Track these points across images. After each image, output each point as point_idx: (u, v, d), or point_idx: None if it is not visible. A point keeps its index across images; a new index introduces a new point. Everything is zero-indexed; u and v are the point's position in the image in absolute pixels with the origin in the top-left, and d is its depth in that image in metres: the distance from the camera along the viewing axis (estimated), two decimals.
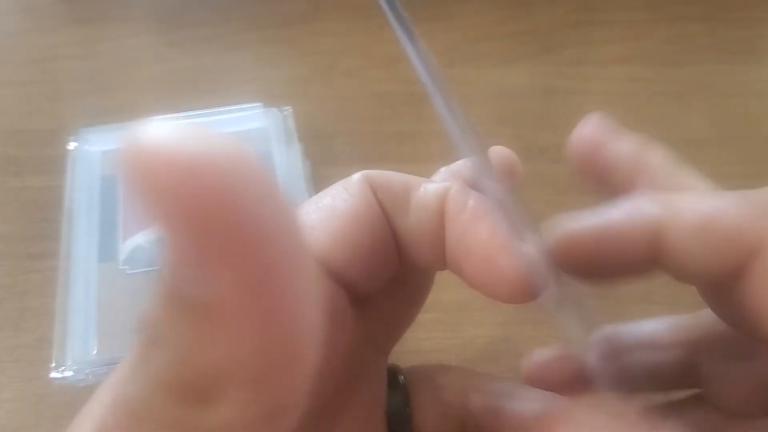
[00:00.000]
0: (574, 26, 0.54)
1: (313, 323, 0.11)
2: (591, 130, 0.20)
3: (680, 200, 0.17)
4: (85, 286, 0.34)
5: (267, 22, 0.53)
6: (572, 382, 0.21)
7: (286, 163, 0.38)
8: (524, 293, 0.17)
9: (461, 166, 0.21)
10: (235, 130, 0.40)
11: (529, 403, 0.19)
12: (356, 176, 0.19)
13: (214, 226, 0.09)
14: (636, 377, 0.19)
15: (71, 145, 0.39)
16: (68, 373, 0.31)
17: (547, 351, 0.22)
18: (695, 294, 0.39)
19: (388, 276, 0.20)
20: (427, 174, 0.44)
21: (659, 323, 0.21)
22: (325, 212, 0.18)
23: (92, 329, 0.32)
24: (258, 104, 0.41)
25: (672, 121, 0.47)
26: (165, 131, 0.10)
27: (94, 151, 0.39)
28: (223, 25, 0.53)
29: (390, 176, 0.20)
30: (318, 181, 0.43)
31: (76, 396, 0.35)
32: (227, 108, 0.41)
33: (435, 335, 0.37)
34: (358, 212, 0.18)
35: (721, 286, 0.18)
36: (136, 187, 0.10)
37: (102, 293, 0.33)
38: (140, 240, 0.35)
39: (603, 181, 0.20)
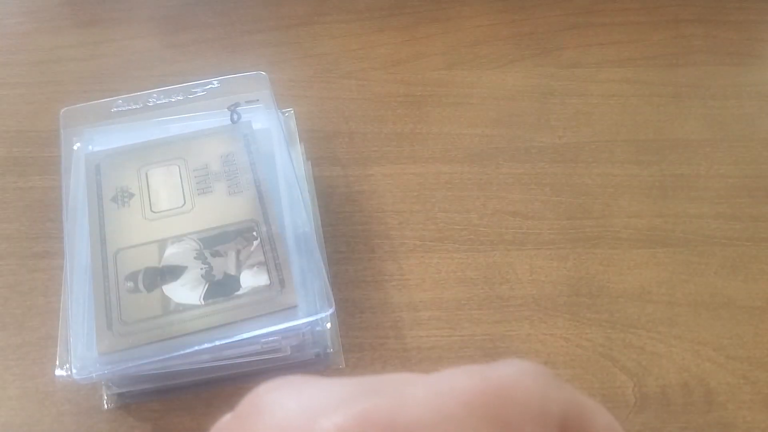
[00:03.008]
0: (571, 29, 0.54)
1: None
2: None
3: None
4: (88, 285, 0.34)
5: (268, 24, 0.54)
6: None
7: (288, 163, 0.38)
8: None
9: None
10: (238, 130, 0.40)
11: None
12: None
13: None
14: None
15: (76, 146, 0.40)
16: (72, 371, 0.31)
17: None
18: (691, 293, 0.40)
19: None
20: (426, 173, 0.44)
21: None
22: None
23: (95, 328, 0.32)
24: (260, 105, 0.41)
25: (668, 122, 0.48)
26: None
27: (98, 151, 0.39)
28: (225, 27, 0.54)
29: None
30: (319, 181, 0.44)
31: (79, 393, 0.36)
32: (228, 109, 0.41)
33: (434, 333, 0.38)
34: None
35: None
36: None
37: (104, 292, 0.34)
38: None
39: None
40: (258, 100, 0.41)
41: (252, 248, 0.35)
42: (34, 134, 0.46)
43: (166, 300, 0.33)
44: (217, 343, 0.32)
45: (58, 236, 0.40)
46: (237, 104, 0.41)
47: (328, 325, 0.35)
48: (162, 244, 0.35)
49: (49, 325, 0.38)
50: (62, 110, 0.40)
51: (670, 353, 0.37)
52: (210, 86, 0.41)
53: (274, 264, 0.34)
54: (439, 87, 0.50)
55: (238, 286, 0.34)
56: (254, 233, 0.35)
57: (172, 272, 0.34)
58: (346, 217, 0.42)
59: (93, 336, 0.32)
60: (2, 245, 0.41)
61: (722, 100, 0.49)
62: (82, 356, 0.32)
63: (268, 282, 0.34)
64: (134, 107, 0.40)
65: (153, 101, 0.41)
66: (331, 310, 0.33)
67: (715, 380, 0.36)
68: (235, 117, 0.41)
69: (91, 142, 0.40)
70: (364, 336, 0.38)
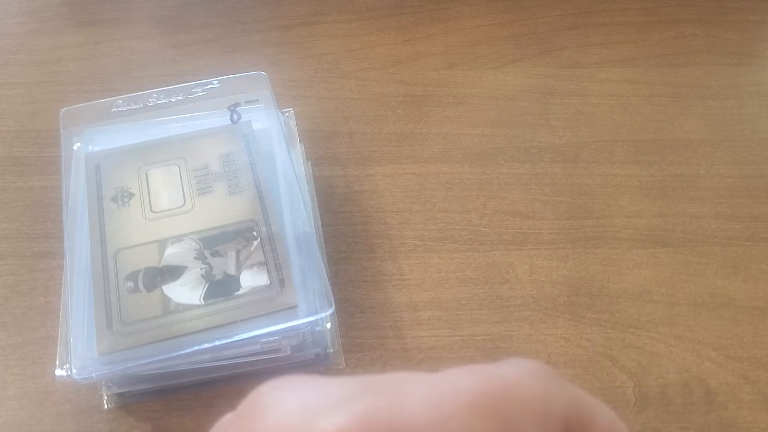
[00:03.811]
0: (571, 29, 0.54)
1: None
2: None
3: None
4: (88, 285, 0.34)
5: (268, 24, 0.54)
6: None
7: (288, 163, 0.38)
8: None
9: None
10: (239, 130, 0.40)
11: None
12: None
13: None
14: None
15: (76, 146, 0.40)
16: (72, 371, 0.31)
17: None
18: (691, 293, 0.40)
19: None
20: (426, 173, 0.44)
21: None
22: None
23: (95, 328, 0.32)
24: (260, 105, 0.41)
25: (668, 122, 0.48)
26: None
27: (98, 151, 0.39)
28: (225, 27, 0.54)
29: None
30: (319, 181, 0.44)
31: (79, 393, 0.36)
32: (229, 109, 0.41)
33: (434, 333, 0.38)
34: None
35: None
36: None
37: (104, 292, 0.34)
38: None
39: None
40: (258, 100, 0.41)
41: (252, 248, 0.35)
42: (34, 134, 0.46)
43: (166, 300, 0.33)
44: (217, 343, 0.32)
45: (58, 236, 0.40)
46: (237, 104, 0.41)
47: (328, 325, 0.35)
48: (162, 244, 0.35)
49: (49, 325, 0.38)
50: (62, 110, 0.40)
51: (670, 353, 0.37)
52: (210, 86, 0.41)
53: (274, 264, 0.34)
54: (439, 87, 0.50)
55: (238, 286, 0.34)
56: (254, 233, 0.35)
57: (172, 272, 0.34)
58: (346, 217, 0.42)
59: (93, 336, 0.32)
60: (2, 245, 0.41)
61: (722, 100, 0.49)
62: (82, 356, 0.32)
63: (268, 282, 0.34)
64: (134, 107, 0.40)
65: (153, 101, 0.41)
66: (331, 310, 0.33)
67: (715, 380, 0.36)
68: (235, 117, 0.41)
69: (91, 142, 0.40)
70: (364, 336, 0.38)
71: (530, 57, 0.52)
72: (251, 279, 0.34)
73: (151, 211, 0.37)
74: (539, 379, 0.16)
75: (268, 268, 0.34)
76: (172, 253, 0.35)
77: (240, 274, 0.34)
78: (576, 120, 0.48)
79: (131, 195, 0.37)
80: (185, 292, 0.33)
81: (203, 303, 0.33)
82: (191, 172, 0.38)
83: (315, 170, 0.44)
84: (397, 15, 0.55)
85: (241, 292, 0.33)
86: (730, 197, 0.44)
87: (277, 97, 0.41)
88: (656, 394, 0.36)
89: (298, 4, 0.55)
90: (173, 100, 0.41)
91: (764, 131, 0.48)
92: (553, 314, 0.39)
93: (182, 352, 0.31)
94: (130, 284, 0.34)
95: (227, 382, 0.35)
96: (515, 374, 0.15)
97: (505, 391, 0.15)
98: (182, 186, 0.38)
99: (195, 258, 0.35)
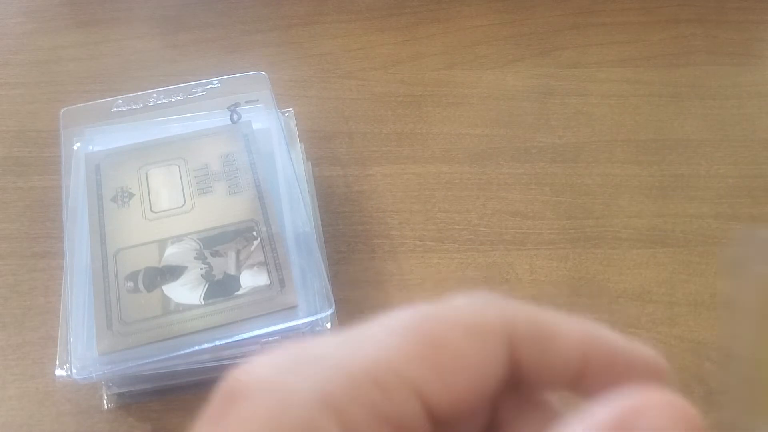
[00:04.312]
0: (571, 29, 0.54)
1: None
2: None
3: None
4: (88, 285, 0.34)
5: (268, 24, 0.54)
6: None
7: (288, 163, 0.38)
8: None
9: None
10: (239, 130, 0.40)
11: None
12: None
13: None
14: None
15: (76, 146, 0.40)
16: (72, 371, 0.31)
17: None
18: (691, 293, 0.40)
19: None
20: (426, 173, 0.44)
21: None
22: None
23: (95, 328, 0.32)
24: (260, 105, 0.41)
25: (667, 122, 0.48)
26: None
27: (98, 151, 0.39)
28: (225, 27, 0.54)
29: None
30: (319, 181, 0.44)
31: (79, 393, 0.35)
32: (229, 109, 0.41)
33: None
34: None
35: None
36: None
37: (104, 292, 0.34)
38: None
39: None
40: (258, 100, 0.41)
41: (252, 248, 0.35)
42: (34, 134, 0.46)
43: (166, 300, 0.33)
44: (217, 343, 0.32)
45: (58, 236, 0.40)
46: (237, 104, 0.41)
47: (328, 325, 0.35)
48: (162, 244, 0.35)
49: (49, 325, 0.38)
50: (62, 110, 0.40)
51: (670, 353, 0.37)
52: (210, 86, 0.41)
53: (274, 264, 0.34)
54: (439, 87, 0.50)
55: (238, 286, 0.34)
56: (254, 233, 0.36)
57: (172, 272, 0.34)
58: (346, 217, 0.42)
59: (93, 336, 0.32)
60: (2, 245, 0.41)
61: (722, 100, 0.49)
62: (82, 356, 0.32)
63: (268, 282, 0.34)
64: (134, 107, 0.41)
65: (153, 101, 0.41)
66: (331, 310, 0.33)
67: (715, 380, 0.36)
68: (235, 117, 0.41)
69: (91, 142, 0.40)
70: None
71: (530, 57, 0.52)
72: (251, 279, 0.34)
73: (151, 211, 0.37)
74: (476, 299, 0.15)
75: (268, 268, 0.34)
76: (172, 253, 0.35)
77: (240, 274, 0.34)
78: (576, 120, 0.48)
79: (131, 195, 0.37)
80: (185, 292, 0.33)
81: (203, 303, 0.33)
82: (191, 172, 0.38)
83: (315, 170, 0.44)
84: (397, 15, 0.55)
85: (241, 292, 0.33)
86: (730, 197, 0.44)
87: (277, 97, 0.41)
88: None
89: (298, 4, 0.55)
90: (173, 100, 0.41)
91: (764, 131, 0.48)
92: None
93: (182, 352, 0.31)
94: (130, 284, 0.34)
95: None
96: (451, 301, 0.15)
97: (434, 312, 0.15)
98: (182, 186, 0.38)
99: (195, 258, 0.35)
